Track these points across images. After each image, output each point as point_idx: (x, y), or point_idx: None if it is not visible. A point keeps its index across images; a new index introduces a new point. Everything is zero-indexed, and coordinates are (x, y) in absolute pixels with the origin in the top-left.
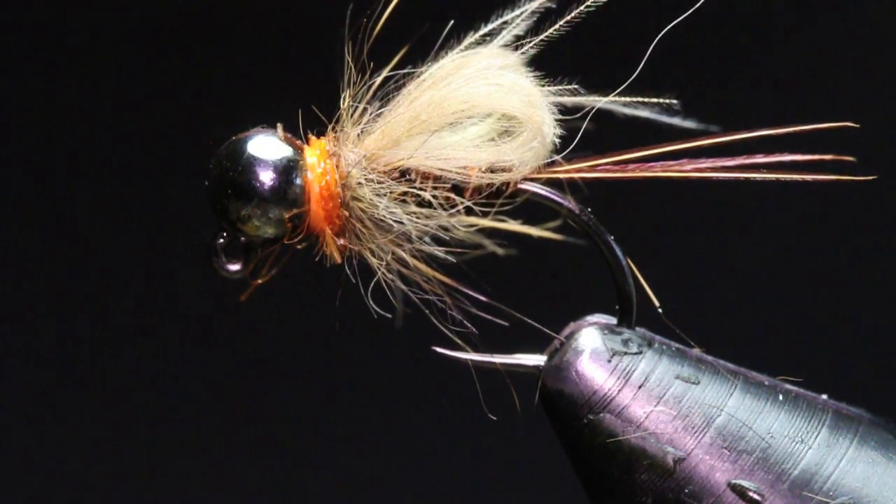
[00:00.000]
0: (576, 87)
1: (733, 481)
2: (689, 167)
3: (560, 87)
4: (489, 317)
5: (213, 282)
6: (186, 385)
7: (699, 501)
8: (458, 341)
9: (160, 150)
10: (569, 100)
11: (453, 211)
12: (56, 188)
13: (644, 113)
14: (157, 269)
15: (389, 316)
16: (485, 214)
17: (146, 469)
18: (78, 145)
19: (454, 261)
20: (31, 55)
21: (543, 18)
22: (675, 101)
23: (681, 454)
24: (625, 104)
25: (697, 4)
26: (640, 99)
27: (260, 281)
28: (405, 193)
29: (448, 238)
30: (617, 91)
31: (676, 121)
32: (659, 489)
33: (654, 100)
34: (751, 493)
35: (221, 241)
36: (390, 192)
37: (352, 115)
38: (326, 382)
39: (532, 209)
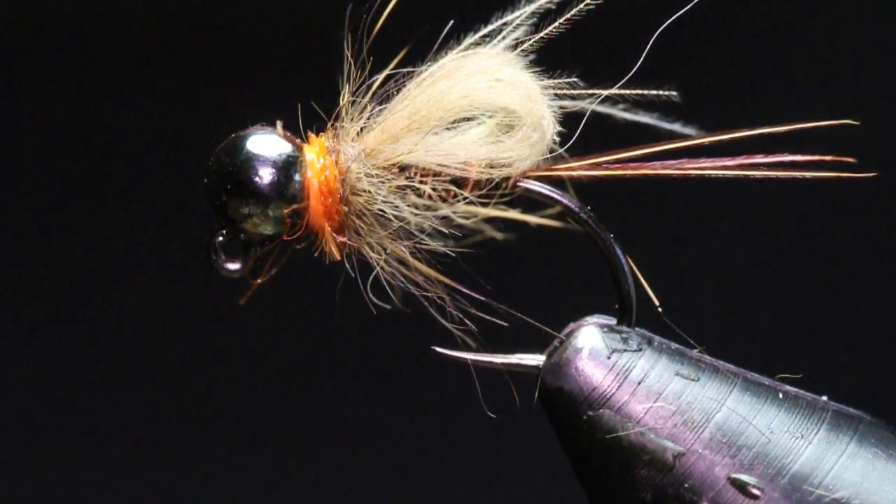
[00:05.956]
0: (576, 80)
1: (733, 476)
2: (689, 166)
3: (559, 81)
4: (489, 317)
5: (210, 280)
6: (184, 383)
7: (699, 496)
8: (459, 338)
9: (158, 148)
10: (568, 93)
11: (452, 201)
12: (56, 187)
13: (644, 118)
14: (155, 266)
15: (389, 307)
16: (484, 207)
17: (144, 469)
18: (70, 143)
19: (453, 254)
20: (32, 54)
21: (543, 17)
22: (674, 93)
23: (680, 449)
24: (623, 106)
25: (693, 1)
26: (639, 91)
27: (259, 281)
28: (404, 188)
29: (448, 232)
30: (617, 85)
31: (677, 127)
32: (658, 484)
33: (654, 91)
34: (750, 488)
35: (220, 238)
36: (389, 187)
37: (351, 112)
38: (324, 380)
39: (534, 209)
